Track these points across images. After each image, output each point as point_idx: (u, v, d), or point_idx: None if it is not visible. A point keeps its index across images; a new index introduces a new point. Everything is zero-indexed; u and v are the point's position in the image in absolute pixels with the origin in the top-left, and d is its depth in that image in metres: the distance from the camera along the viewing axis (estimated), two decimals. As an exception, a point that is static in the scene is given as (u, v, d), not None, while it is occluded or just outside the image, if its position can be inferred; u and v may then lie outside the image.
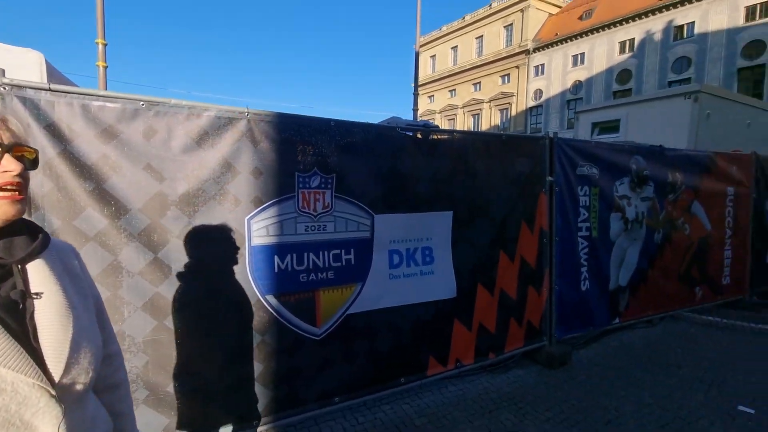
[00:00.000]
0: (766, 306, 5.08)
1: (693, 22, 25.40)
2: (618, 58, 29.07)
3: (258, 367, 2.21)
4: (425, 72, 42.75)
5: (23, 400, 0.61)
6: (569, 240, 3.57)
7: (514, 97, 35.75)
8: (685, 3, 25.52)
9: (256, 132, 2.16)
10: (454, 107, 41.36)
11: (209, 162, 2.03)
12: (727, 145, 5.31)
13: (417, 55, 15.06)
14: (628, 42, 28.59)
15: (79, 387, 0.69)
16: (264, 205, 2.21)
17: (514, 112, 35.87)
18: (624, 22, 28.53)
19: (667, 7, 26.36)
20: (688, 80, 24.87)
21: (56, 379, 0.65)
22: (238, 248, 2.12)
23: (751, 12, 23.16)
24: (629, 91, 27.79)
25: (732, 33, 23.81)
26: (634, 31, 28.14)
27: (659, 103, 5.82)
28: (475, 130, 36.65)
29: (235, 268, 2.10)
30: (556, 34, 32.66)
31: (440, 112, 42.84)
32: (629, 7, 28.44)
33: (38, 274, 0.70)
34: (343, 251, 2.50)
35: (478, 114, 39.05)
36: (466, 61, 39.97)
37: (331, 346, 2.47)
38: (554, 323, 3.49)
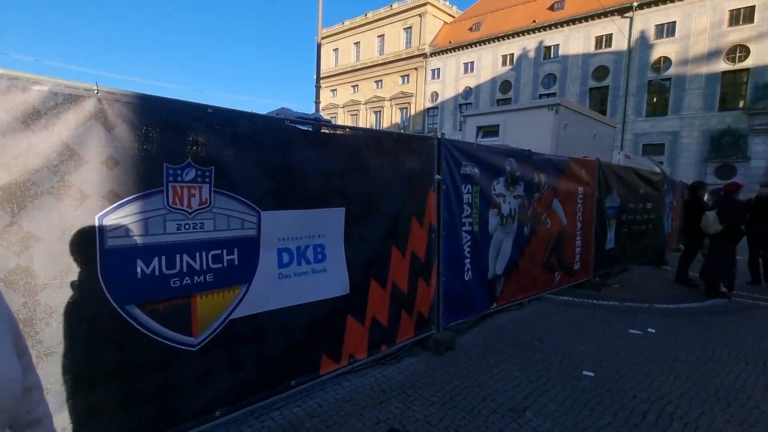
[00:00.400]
0: (606, 285, 6.21)
1: (558, 45, 29.69)
2: (501, 69, 32.56)
3: (119, 389, 1.90)
4: (328, 65, 42.27)
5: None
6: (455, 234, 3.85)
7: (413, 97, 37.53)
8: (552, 27, 29.69)
9: (110, 114, 1.83)
10: (357, 103, 41.77)
11: (42, 148, 1.65)
12: (578, 152, 6.31)
13: (319, 47, 14.78)
14: (509, 56, 32.19)
15: None
16: (122, 201, 1.89)
17: (413, 112, 37.68)
18: (505, 38, 32.02)
19: (538, 29, 30.35)
20: (554, 94, 29.00)
21: None
22: (84, 252, 1.77)
23: (599, 41, 27.99)
24: (510, 99, 31.38)
25: (586, 57, 28.49)
26: (514, 47, 31.80)
27: (529, 112, 6.66)
28: (377, 127, 37.54)
29: (81, 275, 1.76)
30: (450, 42, 35.18)
31: (343, 107, 42.89)
32: (510, 24, 32.03)
33: None
34: (224, 251, 2.29)
35: (379, 111, 40.07)
36: (368, 58, 40.60)
37: (211, 356, 2.25)
38: (441, 312, 3.73)
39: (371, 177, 3.07)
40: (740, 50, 23.13)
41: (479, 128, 7.38)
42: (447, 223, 3.73)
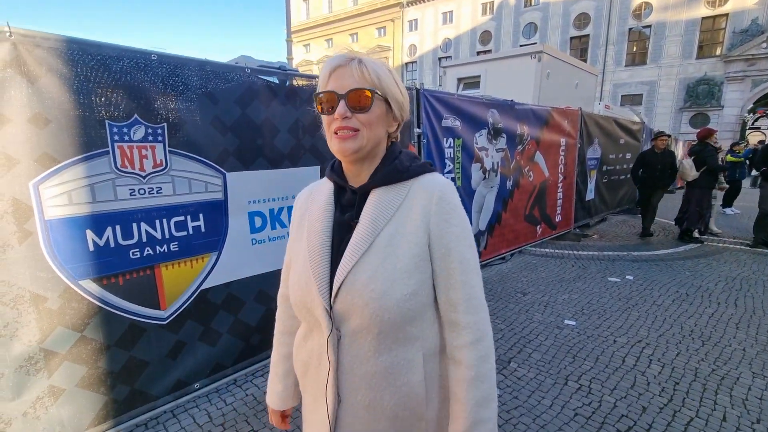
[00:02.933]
0: (585, 236, 6.30)
1: (539, -9, 28.52)
2: (480, 19, 31.28)
3: (79, 371, 1.77)
4: (298, 18, 39.80)
5: (313, 299, 0.76)
6: (437, 190, 3.72)
7: (390, 51, 35.99)
8: (533, -28, 28.34)
9: (30, 62, 1.55)
10: (332, 59, 39.87)
11: (-54, 103, 1.39)
12: (560, 101, 6.15)
13: (286, -5, 13.71)
14: (489, 4, 30.83)
15: (354, 322, 0.73)
16: (60, 165, 1.66)
17: (391, 67, 36.28)
18: (485, -16, 30.50)
19: (519, -26, 28.94)
20: (534, 45, 28.24)
21: (332, 298, 0.73)
22: (21, 225, 1.56)
23: (580, -13, 26.96)
24: (490, 51, 30.43)
25: (567, 4, 27.55)
26: (494, -6, 30.41)
27: (511, 61, 6.38)
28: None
29: (21, 250, 1.57)
30: (427, -10, 33.31)
31: (317, 63, 40.88)
32: (489, -31, 30.37)
33: (368, 204, 0.77)
34: (188, 217, 2.10)
35: (356, 67, 38.44)
36: (341, 9, 38.27)
37: (184, 328, 2.13)
38: (425, 270, 3.68)
39: (346, 132, 2.86)
40: (721, -7, 22.75)
41: (460, 80, 7.07)
42: (428, 180, 3.59)
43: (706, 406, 2.23)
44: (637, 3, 25.14)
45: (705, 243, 5.90)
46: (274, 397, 1.00)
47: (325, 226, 0.80)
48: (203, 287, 2.19)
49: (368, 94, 0.74)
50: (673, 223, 6.41)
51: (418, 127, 3.43)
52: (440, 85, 7.60)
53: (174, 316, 2.07)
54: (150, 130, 1.90)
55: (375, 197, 0.78)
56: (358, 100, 0.74)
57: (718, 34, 23.22)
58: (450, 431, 0.78)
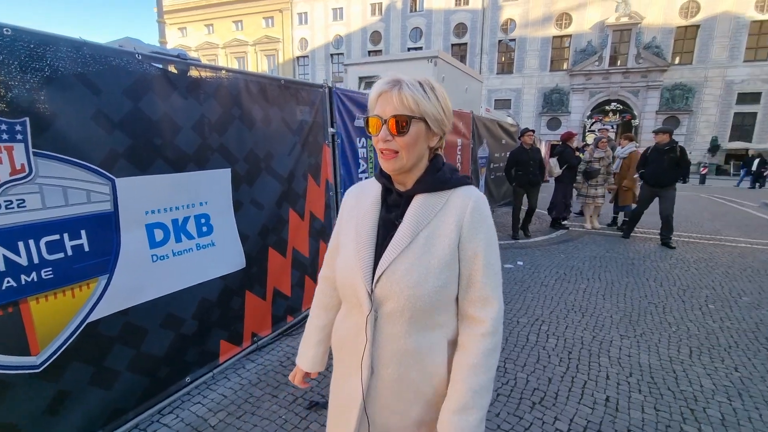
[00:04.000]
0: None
1: (423, -2, 30.39)
2: (370, 19, 32.03)
3: None
4: (172, -3, 35.49)
5: (358, 283, 0.88)
6: (352, 191, 3.68)
7: (280, 44, 34.53)
8: (417, -21, 30.02)
9: None
10: (214, 46, 36.56)
11: None
12: (453, 104, 6.62)
13: (158, -31, 12.11)
14: (377, 5, 31.73)
15: (390, 305, 0.85)
16: None
17: (281, 60, 34.86)
18: (373, -15, 31.26)
19: (404, -21, 30.36)
20: (420, 49, 30.04)
21: (373, 283, 0.86)
22: None
23: (458, -2, 29.57)
24: (381, 51, 31.42)
25: (448, 13, 29.94)
26: (382, -4, 31.39)
27: (409, 63, 6.66)
28: (242, 75, 33.74)
29: None
30: (317, -17, 32.77)
31: (197, 50, 37.07)
32: (377, -30, 31.20)
33: (412, 207, 0.89)
34: (65, 236, 1.69)
35: (243, 57, 35.96)
36: (223, -8, 35.27)
37: (67, 374, 1.71)
38: (344, 272, 3.62)
39: (257, 130, 2.63)
40: (566, 17, 27.27)
41: (361, 79, 7.12)
42: (344, 180, 3.53)
43: (594, 369, 2.66)
44: (504, 18, 28.61)
45: (569, 229, 7.04)
46: (307, 360, 1.12)
47: (373, 221, 0.93)
48: (91, 319, 1.79)
49: (405, 120, 0.84)
50: (545, 212, 7.49)
51: (332, 126, 3.34)
52: (335, 81, 7.52)
53: (51, 360, 1.65)
54: (4, 127, 1.46)
55: (418, 202, 0.89)
56: (397, 126, 0.84)
57: (564, 52, 27.83)
58: (443, 407, 0.87)
